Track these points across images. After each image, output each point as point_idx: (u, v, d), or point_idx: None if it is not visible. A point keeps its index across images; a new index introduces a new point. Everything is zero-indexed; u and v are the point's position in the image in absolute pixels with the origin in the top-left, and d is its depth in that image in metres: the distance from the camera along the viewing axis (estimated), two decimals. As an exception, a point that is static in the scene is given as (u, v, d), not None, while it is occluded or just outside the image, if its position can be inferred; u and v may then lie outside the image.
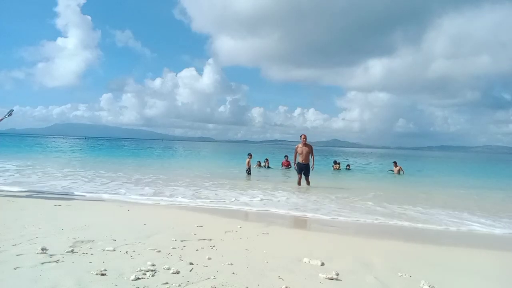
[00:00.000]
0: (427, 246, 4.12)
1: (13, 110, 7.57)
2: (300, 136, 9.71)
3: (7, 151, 21.41)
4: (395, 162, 16.82)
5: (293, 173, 9.76)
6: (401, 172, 16.06)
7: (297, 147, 9.88)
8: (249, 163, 13.48)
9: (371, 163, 27.88)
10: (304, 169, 9.68)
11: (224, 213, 5.66)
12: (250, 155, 13.71)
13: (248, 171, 13.29)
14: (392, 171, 16.50)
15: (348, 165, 18.31)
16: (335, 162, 17.11)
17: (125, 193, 7.20)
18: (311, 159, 9.76)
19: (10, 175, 9.44)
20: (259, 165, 16.70)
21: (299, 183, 9.71)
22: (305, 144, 9.68)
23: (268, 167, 16.64)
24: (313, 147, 9.83)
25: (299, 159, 9.73)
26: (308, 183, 9.72)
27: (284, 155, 17.79)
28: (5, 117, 7.48)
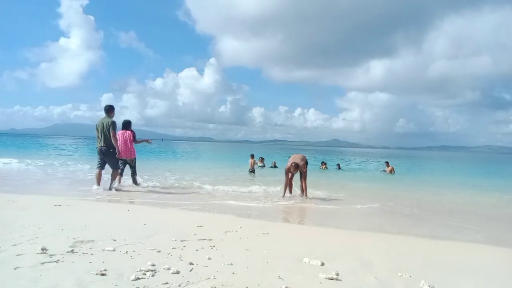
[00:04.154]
0: (427, 245, 4.12)
1: (151, 143, 8.74)
2: (291, 164, 7.38)
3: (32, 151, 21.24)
4: (387, 162, 17.55)
5: (295, 175, 8.09)
6: (392, 172, 16.65)
7: (288, 169, 7.55)
8: (252, 164, 14.10)
9: (369, 162, 27.97)
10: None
11: (224, 213, 5.67)
12: (252, 156, 14.35)
13: (252, 171, 13.89)
14: (385, 171, 17.07)
15: (338, 164, 19.11)
16: (322, 163, 17.85)
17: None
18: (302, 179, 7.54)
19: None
20: (261, 161, 17.01)
21: (286, 187, 7.62)
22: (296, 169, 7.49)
23: (263, 166, 16.94)
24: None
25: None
26: (304, 189, 7.52)
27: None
28: (142, 141, 8.31)
